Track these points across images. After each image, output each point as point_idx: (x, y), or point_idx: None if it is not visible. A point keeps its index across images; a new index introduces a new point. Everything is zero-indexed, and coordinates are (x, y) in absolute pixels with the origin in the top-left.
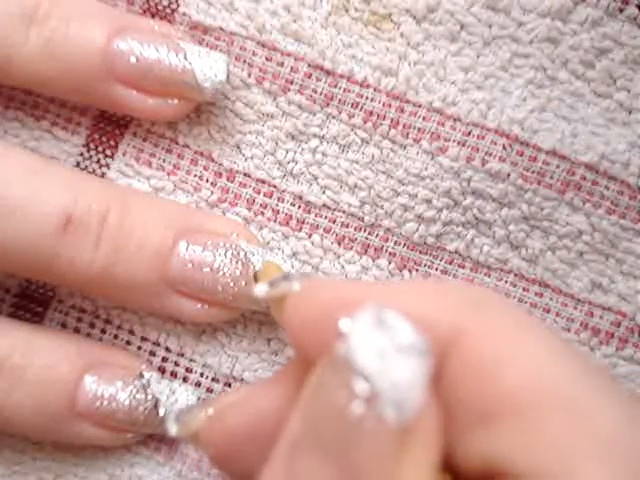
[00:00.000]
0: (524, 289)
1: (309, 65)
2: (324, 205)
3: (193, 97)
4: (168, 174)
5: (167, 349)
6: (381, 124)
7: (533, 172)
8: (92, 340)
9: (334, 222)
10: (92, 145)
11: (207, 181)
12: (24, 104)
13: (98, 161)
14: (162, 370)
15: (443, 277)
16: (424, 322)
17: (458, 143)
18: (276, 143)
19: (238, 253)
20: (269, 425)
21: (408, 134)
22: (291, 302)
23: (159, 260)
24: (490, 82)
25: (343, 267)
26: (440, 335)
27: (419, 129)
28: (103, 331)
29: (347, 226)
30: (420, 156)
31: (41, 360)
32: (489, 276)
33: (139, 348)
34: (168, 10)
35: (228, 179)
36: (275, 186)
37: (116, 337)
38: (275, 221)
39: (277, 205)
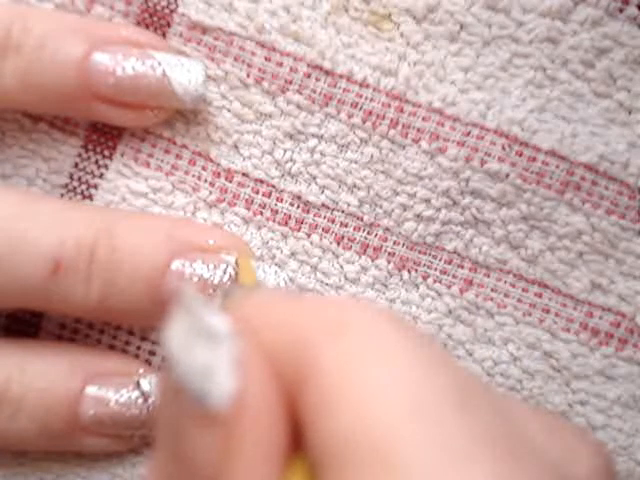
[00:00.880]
0: (523, 289)
1: (308, 65)
2: (323, 205)
3: (173, 107)
4: (166, 174)
5: None
6: (380, 124)
7: (532, 172)
8: (87, 348)
9: (333, 222)
10: (90, 146)
11: (205, 181)
12: None
13: (96, 162)
14: (162, 370)
15: (442, 277)
16: (276, 347)
17: (457, 143)
18: (274, 143)
19: (227, 267)
20: None
21: (407, 134)
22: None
23: (152, 286)
24: (490, 82)
25: (342, 267)
26: (291, 360)
27: (418, 129)
28: (102, 331)
29: (346, 226)
30: (419, 156)
31: (38, 384)
32: (488, 276)
33: (138, 348)
34: (167, 10)
35: (226, 179)
36: (274, 186)
37: (115, 337)
38: (274, 221)
39: (276, 205)
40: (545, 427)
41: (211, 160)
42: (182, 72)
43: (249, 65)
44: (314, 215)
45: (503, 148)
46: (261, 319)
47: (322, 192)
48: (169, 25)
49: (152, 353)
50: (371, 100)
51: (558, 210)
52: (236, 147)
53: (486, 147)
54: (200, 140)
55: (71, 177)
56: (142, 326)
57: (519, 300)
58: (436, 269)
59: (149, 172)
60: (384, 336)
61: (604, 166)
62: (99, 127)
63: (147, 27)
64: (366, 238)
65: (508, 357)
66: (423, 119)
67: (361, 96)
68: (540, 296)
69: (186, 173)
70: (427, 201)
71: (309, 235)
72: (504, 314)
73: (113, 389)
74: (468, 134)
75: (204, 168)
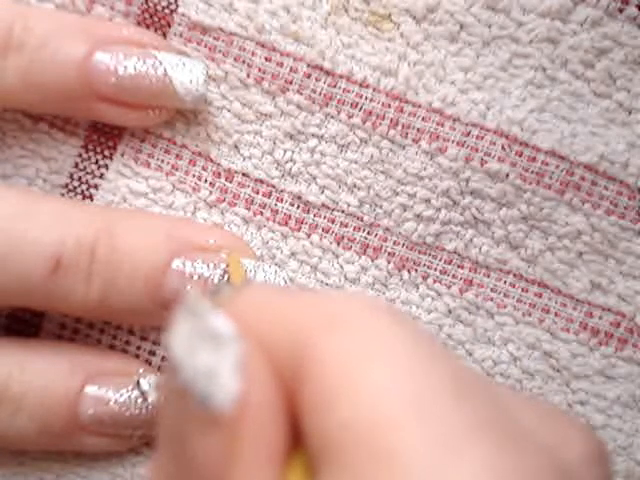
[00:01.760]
0: (523, 289)
1: (308, 65)
2: (323, 205)
3: (174, 106)
4: (166, 174)
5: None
6: (380, 124)
7: (532, 172)
8: (87, 347)
9: (333, 222)
10: (90, 146)
11: (206, 181)
12: None
13: (96, 162)
14: (162, 370)
15: (442, 277)
16: (272, 343)
17: (457, 143)
18: (274, 143)
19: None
20: None
21: (407, 134)
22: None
23: (152, 286)
24: (489, 82)
25: (342, 267)
26: (289, 355)
27: (418, 129)
28: (102, 331)
29: (346, 226)
30: (419, 156)
31: (38, 383)
32: (488, 276)
33: (138, 348)
34: (167, 11)
35: (227, 179)
36: (274, 186)
37: (115, 337)
38: (274, 221)
39: (276, 205)
40: (536, 413)
41: (211, 160)
42: (183, 72)
43: (249, 65)
44: (314, 215)
45: (503, 148)
46: (254, 315)
47: (322, 192)
48: (169, 25)
49: (152, 353)
50: (371, 100)
51: (558, 210)
52: (236, 147)
53: (486, 147)
54: (200, 140)
55: (71, 177)
56: (142, 326)
57: (519, 300)
58: (436, 269)
59: (149, 172)
60: (380, 329)
61: (604, 166)
62: (99, 127)
63: (147, 27)
64: (366, 238)
65: (508, 357)
66: (423, 119)
67: (361, 96)
68: (540, 296)
69: (186, 173)
70: (427, 201)
71: (309, 235)
72: (504, 314)
73: (113, 388)
74: (468, 134)
75: (204, 168)
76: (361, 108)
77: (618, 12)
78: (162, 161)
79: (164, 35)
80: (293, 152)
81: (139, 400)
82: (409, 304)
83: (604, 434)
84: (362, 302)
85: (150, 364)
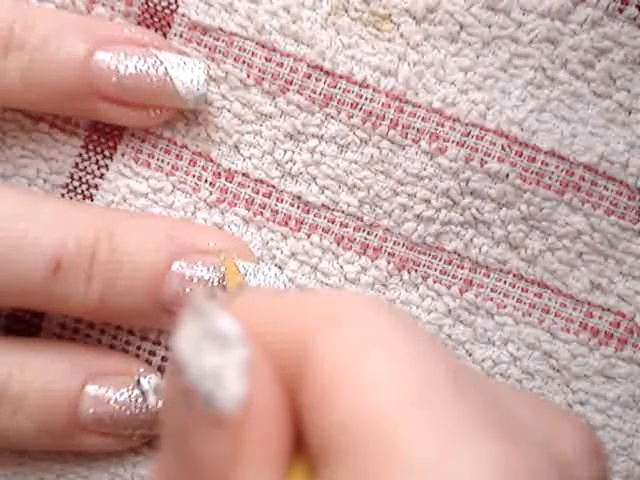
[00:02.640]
0: (523, 289)
1: (308, 65)
2: (323, 205)
3: (175, 106)
4: (167, 175)
5: (167, 348)
6: (380, 124)
7: (532, 172)
8: (87, 347)
9: (333, 222)
10: (91, 146)
11: (206, 181)
12: None
13: (97, 162)
14: (162, 370)
15: (442, 277)
16: (272, 344)
17: (457, 143)
18: (274, 143)
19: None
20: None
21: (407, 134)
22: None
23: (152, 287)
24: (489, 82)
25: (342, 267)
26: (289, 355)
27: (418, 129)
28: (102, 331)
29: (346, 226)
30: (419, 156)
31: (38, 382)
32: (488, 276)
33: (138, 348)
34: (167, 11)
35: (227, 179)
36: (274, 186)
37: (115, 337)
38: (274, 221)
39: (276, 205)
40: (530, 407)
41: (211, 160)
42: (184, 71)
43: (249, 65)
44: (314, 215)
45: (503, 148)
46: (252, 317)
47: (322, 192)
48: (169, 25)
49: (152, 353)
50: (371, 100)
51: (558, 210)
52: (236, 147)
53: (486, 147)
54: (200, 140)
55: (71, 177)
56: (142, 326)
57: (519, 300)
58: (436, 269)
59: (149, 172)
60: (380, 327)
61: (604, 166)
62: (100, 127)
63: (147, 27)
64: (366, 238)
65: (508, 357)
66: (423, 119)
67: (361, 96)
68: (540, 296)
69: (186, 173)
70: (427, 201)
71: (309, 235)
72: (504, 314)
73: (113, 388)
74: (468, 134)
75: (204, 168)
76: (361, 108)
77: (618, 12)
78: (162, 161)
79: (164, 35)
80: (293, 152)
81: (139, 400)
82: (409, 304)
83: (604, 434)
84: (362, 300)
85: (150, 364)
